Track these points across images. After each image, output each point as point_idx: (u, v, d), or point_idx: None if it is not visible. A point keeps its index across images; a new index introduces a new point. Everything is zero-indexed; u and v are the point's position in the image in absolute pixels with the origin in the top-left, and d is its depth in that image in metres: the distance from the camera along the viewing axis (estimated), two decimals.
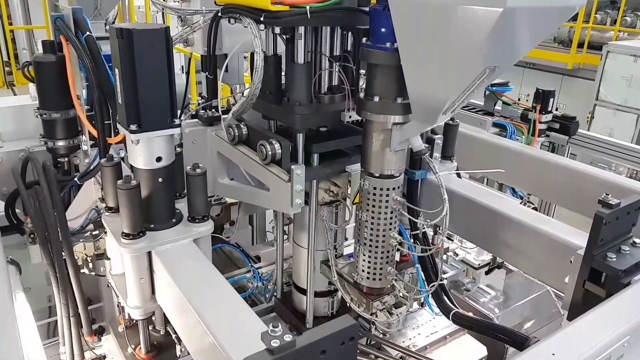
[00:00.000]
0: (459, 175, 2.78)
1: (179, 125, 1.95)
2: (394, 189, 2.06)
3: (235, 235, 4.06)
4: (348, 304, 2.39)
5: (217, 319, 1.61)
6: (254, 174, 2.23)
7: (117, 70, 1.84)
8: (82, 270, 2.69)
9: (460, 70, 1.58)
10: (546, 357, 1.49)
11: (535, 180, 3.12)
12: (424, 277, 2.38)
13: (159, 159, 1.98)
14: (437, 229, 3.40)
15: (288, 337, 1.19)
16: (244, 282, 3.42)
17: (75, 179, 2.60)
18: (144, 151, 1.95)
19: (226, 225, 3.74)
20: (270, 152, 2.06)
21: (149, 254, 1.99)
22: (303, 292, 2.59)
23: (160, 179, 2.00)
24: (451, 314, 2.24)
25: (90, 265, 2.65)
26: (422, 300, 3.18)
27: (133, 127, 1.87)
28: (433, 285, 2.24)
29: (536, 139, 3.44)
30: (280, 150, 2.06)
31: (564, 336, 1.60)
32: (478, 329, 2.15)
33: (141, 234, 1.95)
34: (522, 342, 1.87)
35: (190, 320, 1.69)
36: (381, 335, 2.85)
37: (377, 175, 2.04)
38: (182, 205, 2.20)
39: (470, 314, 2.23)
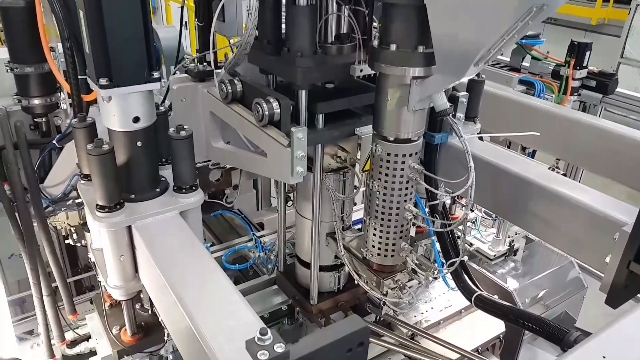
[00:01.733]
0: (481, 138, 2.49)
1: (159, 80, 1.66)
2: (410, 155, 1.76)
3: (239, 200, 3.84)
4: (356, 281, 2.14)
5: (201, 308, 1.36)
6: (250, 138, 1.95)
7: (81, 12, 1.53)
8: (66, 241, 2.47)
9: (500, 8, 1.26)
10: None
11: (566, 144, 2.80)
12: (440, 250, 2.12)
13: (136, 120, 1.70)
14: (457, 198, 3.12)
15: (280, 347, 0.94)
16: (246, 251, 3.20)
17: (54, 141, 2.35)
18: (118, 110, 1.66)
19: (229, 190, 3.52)
20: (267, 112, 1.76)
21: (129, 228, 1.74)
22: (307, 265, 2.34)
23: (139, 143, 1.73)
24: (474, 297, 1.99)
25: (75, 235, 2.42)
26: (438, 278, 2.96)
27: (103, 81, 1.57)
28: (453, 263, 1.97)
29: (568, 97, 3.10)
30: (279, 110, 1.76)
31: (614, 334, 1.34)
32: (506, 316, 1.89)
33: (118, 206, 1.69)
34: (559, 337, 1.62)
35: (172, 307, 1.44)
36: (392, 312, 2.63)
37: (391, 139, 1.74)
38: (168, 173, 1.94)
39: (496, 298, 1.97)
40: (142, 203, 1.78)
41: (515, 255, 3.64)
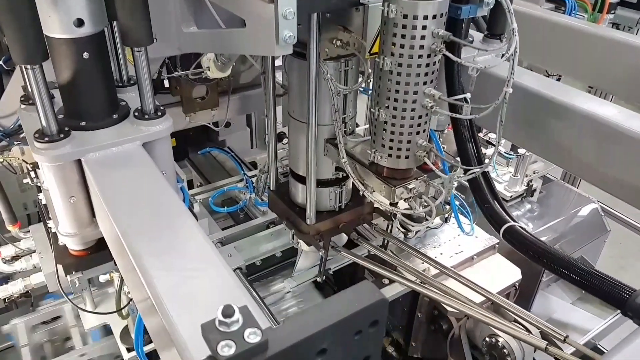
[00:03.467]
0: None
1: None
2: (434, 17, 1.35)
3: (232, 139, 3.52)
4: (361, 193, 1.77)
5: (161, 266, 1.03)
6: (225, 5, 1.51)
7: None
8: (25, 181, 2.15)
9: None
10: None
11: (603, 68, 2.42)
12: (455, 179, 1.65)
13: (79, 23, 1.31)
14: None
15: (254, 336, 0.62)
16: (236, 192, 2.89)
17: (1, 62, 1.99)
18: (54, 9, 1.27)
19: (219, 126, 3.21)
20: None
21: (79, 162, 1.39)
22: (302, 180, 1.95)
23: (85, 54, 1.35)
24: (503, 228, 1.59)
25: (33, 174, 2.10)
26: (446, 215, 2.64)
27: None
28: (472, 172, 1.58)
29: (604, 15, 2.69)
30: None
31: None
32: (548, 264, 1.48)
33: (62, 135, 1.34)
34: (620, 300, 1.29)
35: (127, 265, 1.13)
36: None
37: None
38: (131, 97, 1.57)
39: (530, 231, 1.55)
40: (94, 132, 1.42)
41: (532, 196, 3.34)
